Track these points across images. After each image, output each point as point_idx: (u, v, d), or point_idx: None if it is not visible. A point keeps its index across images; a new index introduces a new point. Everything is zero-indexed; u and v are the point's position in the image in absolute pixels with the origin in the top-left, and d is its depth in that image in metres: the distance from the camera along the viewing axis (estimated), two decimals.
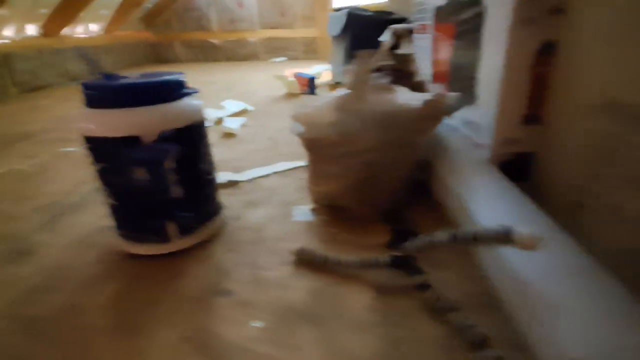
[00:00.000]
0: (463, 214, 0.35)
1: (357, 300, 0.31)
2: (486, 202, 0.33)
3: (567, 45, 0.39)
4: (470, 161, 0.42)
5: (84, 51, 0.33)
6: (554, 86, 0.42)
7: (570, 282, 0.22)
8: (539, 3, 0.39)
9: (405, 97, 0.40)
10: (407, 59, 0.53)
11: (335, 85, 1.14)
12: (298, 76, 1.26)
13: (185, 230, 0.37)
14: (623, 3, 0.31)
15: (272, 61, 2.50)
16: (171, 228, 0.36)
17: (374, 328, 0.28)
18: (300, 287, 0.33)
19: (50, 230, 0.44)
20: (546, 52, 0.41)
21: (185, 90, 0.36)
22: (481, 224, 0.31)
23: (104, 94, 0.31)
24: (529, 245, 0.23)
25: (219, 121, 0.89)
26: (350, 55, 1.07)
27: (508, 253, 0.26)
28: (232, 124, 0.83)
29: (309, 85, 1.22)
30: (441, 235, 0.28)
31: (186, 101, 0.35)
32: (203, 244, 0.39)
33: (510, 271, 0.26)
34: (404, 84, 0.53)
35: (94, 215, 0.46)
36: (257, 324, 0.29)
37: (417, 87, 0.53)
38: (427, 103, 0.39)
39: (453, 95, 0.45)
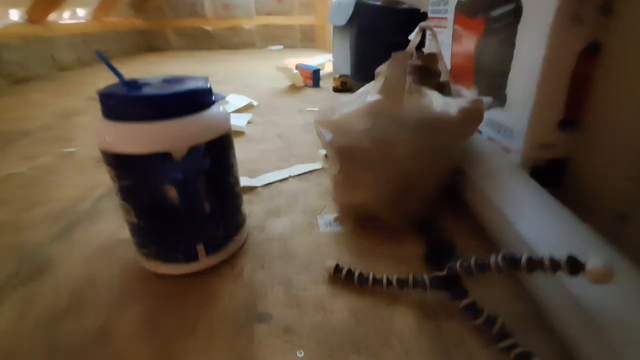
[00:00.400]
0: (503, 227, 0.34)
1: (404, 324, 0.30)
2: (528, 215, 0.32)
3: (614, 47, 0.37)
4: (504, 167, 0.40)
5: (104, 55, 0.30)
6: (596, 90, 0.40)
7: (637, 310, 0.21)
8: (587, 1, 0.37)
9: (440, 102, 0.38)
10: (433, 58, 0.51)
11: (340, 78, 1.11)
12: (301, 68, 1.22)
13: (213, 248, 0.35)
14: None
15: (270, 49, 2.44)
16: (200, 246, 0.34)
17: (424, 355, 0.27)
18: (342, 310, 0.31)
19: (64, 242, 0.41)
20: (590, 54, 0.39)
21: (214, 98, 0.33)
22: (527, 241, 0.30)
23: (129, 105, 0.28)
24: (603, 278, 0.21)
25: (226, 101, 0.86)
26: (357, 48, 1.03)
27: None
28: (239, 121, 0.80)
29: (313, 77, 1.19)
30: (493, 259, 0.27)
31: (214, 110, 0.33)
32: (230, 260, 0.37)
33: (571, 297, 0.25)
34: (429, 84, 0.51)
35: (110, 225, 0.44)
36: (301, 354, 0.28)
37: (442, 87, 0.51)
38: (465, 110, 0.37)
39: (487, 99, 0.43)
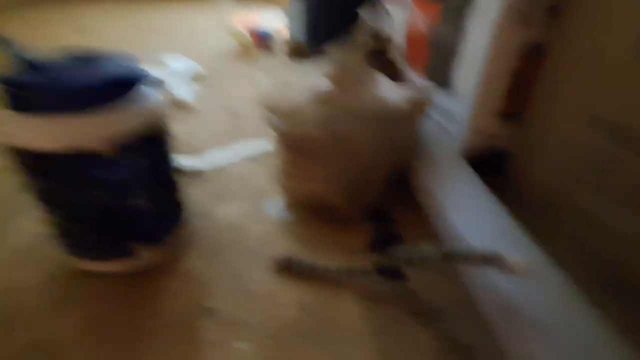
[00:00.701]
0: (441, 218, 0.36)
1: (348, 311, 0.31)
2: (463, 209, 0.34)
3: (558, 50, 0.39)
4: (446, 158, 0.42)
5: (3, 36, 0.25)
6: (539, 89, 0.42)
7: (551, 305, 0.25)
8: (537, 2, 0.38)
9: (392, 93, 0.38)
10: (386, 41, 0.50)
11: (294, 44, 1.06)
12: (253, 33, 1.14)
13: (154, 243, 0.33)
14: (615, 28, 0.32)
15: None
16: (138, 243, 0.32)
17: (367, 339, 0.29)
18: (290, 301, 0.32)
19: None
20: (534, 53, 0.41)
21: (145, 82, 0.30)
22: (460, 233, 0.32)
23: (46, 95, 0.24)
24: (521, 273, 0.24)
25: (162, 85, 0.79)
26: (312, 14, 0.98)
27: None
28: (185, 92, 0.74)
29: (266, 43, 1.13)
30: (431, 251, 0.29)
31: (146, 97, 0.29)
32: (173, 254, 0.36)
33: (493, 286, 0.27)
34: (382, 67, 0.50)
35: (24, 223, 0.39)
36: (245, 345, 0.28)
37: (395, 71, 0.51)
38: (415, 100, 0.38)
39: (431, 87, 0.44)
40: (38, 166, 0.26)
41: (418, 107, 0.38)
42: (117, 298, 0.31)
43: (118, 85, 0.27)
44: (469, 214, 0.34)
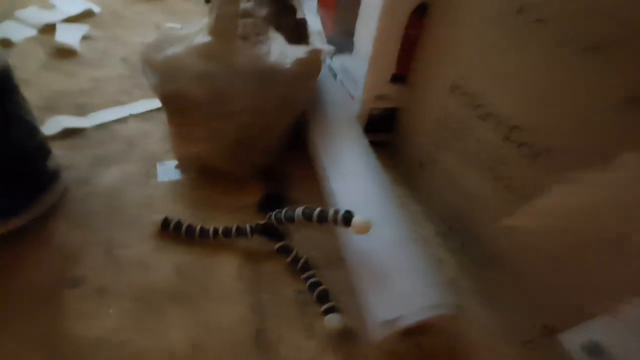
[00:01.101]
0: (324, 179, 0.38)
1: (225, 271, 0.33)
2: (342, 171, 0.36)
3: (436, 11, 0.40)
4: (339, 119, 0.43)
5: None
6: (420, 51, 0.44)
7: (392, 256, 0.28)
8: None
9: (278, 51, 0.37)
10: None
11: None
12: None
13: (11, 211, 0.30)
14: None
15: None
16: None
17: (240, 296, 0.31)
18: (165, 265, 0.32)
19: None
20: (419, 14, 0.42)
21: None
22: (336, 195, 0.34)
23: None
24: (361, 231, 0.27)
25: (48, 28, 0.67)
26: None
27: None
28: (69, 36, 0.64)
29: None
30: (297, 211, 0.30)
31: None
32: (41, 222, 0.33)
33: (351, 240, 0.30)
34: (285, 21, 0.48)
35: None
36: (112, 310, 0.28)
37: (299, 26, 0.49)
38: (301, 61, 0.37)
39: (328, 48, 0.43)
40: None
41: (304, 68, 0.37)
42: None
43: None
44: (346, 175, 0.36)
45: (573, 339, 0.28)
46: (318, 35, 0.48)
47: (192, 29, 0.39)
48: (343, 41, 0.52)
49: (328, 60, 0.59)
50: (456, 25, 0.37)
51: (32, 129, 0.31)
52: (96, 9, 0.79)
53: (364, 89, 0.48)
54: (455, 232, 0.39)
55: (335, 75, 0.57)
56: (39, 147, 0.32)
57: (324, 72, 0.51)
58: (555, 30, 0.24)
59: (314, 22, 0.63)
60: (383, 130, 0.52)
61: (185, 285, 0.31)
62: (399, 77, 0.48)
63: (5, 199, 0.30)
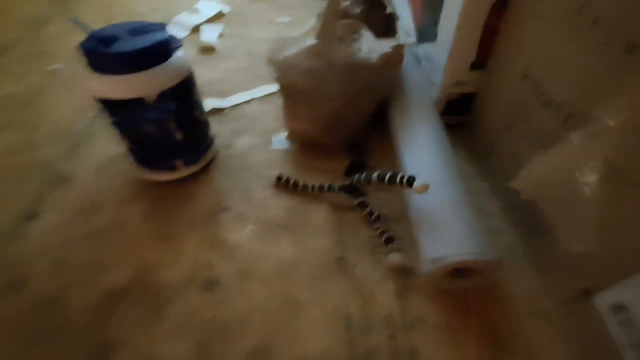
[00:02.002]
0: (399, 153, 0.47)
1: (318, 215, 0.45)
2: (413, 146, 0.44)
3: (516, 3, 0.44)
4: (416, 102, 0.51)
5: (77, 19, 0.37)
6: (500, 40, 0.48)
7: (444, 212, 0.36)
8: None
9: (367, 48, 0.46)
10: None
11: None
12: None
13: (189, 162, 0.48)
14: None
15: None
16: (178, 162, 0.46)
17: (328, 233, 0.43)
18: (278, 206, 0.46)
19: (74, 159, 0.53)
20: (499, 7, 0.46)
21: (175, 46, 0.41)
22: (406, 165, 0.43)
23: (109, 61, 0.37)
24: (420, 191, 0.35)
25: (195, 29, 0.88)
26: None
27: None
28: (210, 36, 0.84)
29: None
30: (373, 175, 0.40)
31: (177, 57, 0.41)
32: (204, 170, 0.51)
33: (413, 198, 0.39)
34: (376, 16, 0.57)
35: (106, 144, 0.55)
36: (250, 228, 0.44)
37: (389, 18, 0.57)
38: (386, 55, 0.46)
39: (411, 40, 0.51)
40: (110, 108, 0.40)
41: (388, 62, 0.46)
42: (165, 197, 0.47)
43: (159, 52, 0.38)
44: (416, 149, 0.44)
45: (603, 300, 0.32)
46: (404, 28, 0.55)
47: (301, 34, 0.51)
48: (429, 30, 0.58)
49: (414, 48, 0.65)
50: (529, 20, 0.40)
51: (201, 110, 0.48)
52: (225, 9, 0.98)
53: (444, 75, 0.54)
54: (517, 207, 0.44)
55: (419, 62, 0.63)
56: (205, 122, 0.49)
57: (408, 59, 0.58)
58: (605, 30, 0.28)
59: (405, 12, 0.69)
60: (460, 112, 0.57)
61: (291, 220, 0.45)
62: (478, 65, 0.52)
63: (189, 154, 0.47)
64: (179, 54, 0.42)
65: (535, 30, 0.39)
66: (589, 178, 0.25)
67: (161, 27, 0.41)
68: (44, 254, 0.42)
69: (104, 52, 0.36)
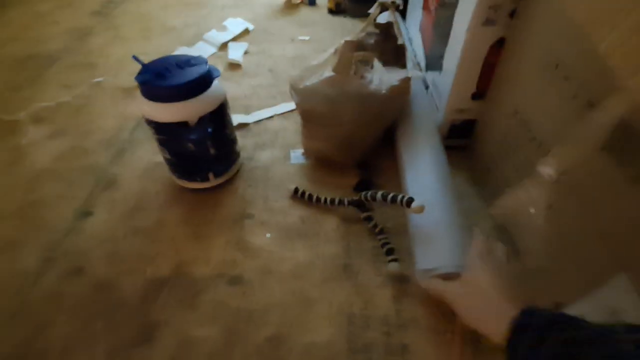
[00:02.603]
0: (402, 174, 0.53)
1: (329, 225, 0.52)
2: (415, 167, 0.50)
3: (511, 41, 0.49)
4: (420, 127, 0.57)
5: (137, 56, 0.45)
6: (498, 73, 0.53)
7: (438, 230, 0.42)
8: (500, 9, 0.47)
9: (377, 80, 0.53)
10: (390, 25, 0.62)
11: (337, 2, 1.13)
12: None
13: (218, 174, 0.55)
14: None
15: None
16: (210, 174, 0.54)
17: (337, 241, 0.50)
18: (295, 214, 0.53)
19: (119, 164, 0.62)
20: (498, 46, 0.51)
21: (214, 76, 0.49)
22: (408, 185, 0.49)
23: (160, 92, 0.44)
24: (417, 212, 0.42)
25: (223, 46, 0.96)
26: None
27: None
28: (236, 54, 0.91)
29: None
30: (378, 194, 0.47)
31: (214, 87, 0.48)
32: (230, 181, 0.58)
33: (411, 215, 0.46)
34: (388, 46, 0.64)
35: (146, 152, 0.64)
36: (269, 235, 0.51)
37: (399, 50, 0.63)
38: (394, 87, 0.52)
39: (419, 74, 0.57)
40: (158, 129, 0.48)
41: (396, 93, 0.52)
42: (198, 202, 0.55)
43: (201, 83, 0.46)
44: (418, 171, 0.50)
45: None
46: (413, 55, 0.61)
47: (321, 61, 0.58)
48: (436, 60, 0.64)
49: (423, 73, 0.71)
50: (520, 63, 0.46)
51: (232, 128, 0.55)
52: (250, 27, 1.06)
53: (447, 103, 0.60)
54: (501, 228, 0.49)
55: (427, 87, 0.69)
56: (234, 138, 0.56)
57: (416, 85, 0.64)
58: (574, 86, 0.34)
59: (417, 40, 0.76)
60: (463, 137, 0.63)
61: (305, 228, 0.51)
62: (479, 95, 0.58)
63: (220, 167, 0.54)
64: (216, 82, 0.49)
65: (524, 73, 0.45)
66: (538, 215, 0.31)
67: (203, 61, 0.48)
68: (98, 246, 0.50)
69: (157, 85, 0.44)
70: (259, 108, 0.74)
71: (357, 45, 0.63)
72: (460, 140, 0.63)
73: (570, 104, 0.35)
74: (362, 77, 0.54)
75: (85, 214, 0.54)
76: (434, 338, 0.41)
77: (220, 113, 0.50)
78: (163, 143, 0.50)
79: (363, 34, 0.65)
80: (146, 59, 0.48)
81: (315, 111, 0.54)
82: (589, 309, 0.35)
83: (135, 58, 0.45)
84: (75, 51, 0.96)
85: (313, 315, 0.43)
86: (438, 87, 0.63)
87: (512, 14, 0.48)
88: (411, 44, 0.81)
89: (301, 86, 0.55)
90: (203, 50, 0.95)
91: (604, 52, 0.21)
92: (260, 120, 0.71)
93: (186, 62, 0.48)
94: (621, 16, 0.20)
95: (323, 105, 0.53)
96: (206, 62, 0.48)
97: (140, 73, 0.46)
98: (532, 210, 0.32)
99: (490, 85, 0.55)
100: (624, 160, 0.29)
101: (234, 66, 0.89)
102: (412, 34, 0.78)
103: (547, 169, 0.31)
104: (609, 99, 0.26)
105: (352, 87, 0.52)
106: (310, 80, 0.55)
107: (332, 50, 0.59)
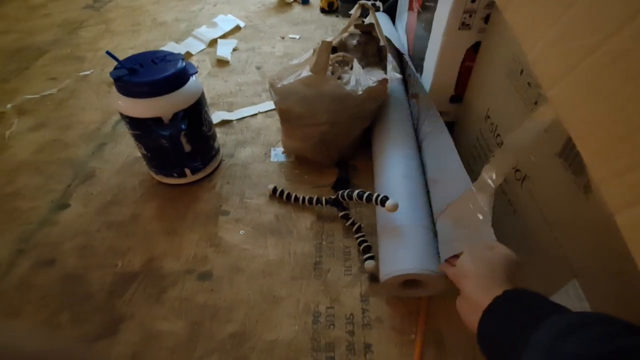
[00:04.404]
0: (376, 173, 0.53)
1: (304, 223, 0.52)
2: (386, 171, 0.51)
3: (485, 45, 0.50)
4: (398, 130, 0.57)
5: (109, 52, 0.45)
6: (473, 77, 0.54)
7: (404, 232, 0.43)
8: (475, 14, 0.48)
9: (354, 82, 0.53)
10: (372, 27, 0.62)
11: (329, 1, 1.13)
12: None
13: (195, 170, 0.55)
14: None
15: None
16: (186, 170, 0.54)
17: (309, 240, 0.50)
18: (270, 212, 0.54)
19: (99, 158, 0.62)
20: (474, 50, 0.52)
21: (190, 73, 0.49)
22: (379, 187, 0.50)
23: (134, 87, 0.45)
24: (390, 210, 0.42)
25: (212, 42, 0.96)
26: None
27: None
28: (225, 51, 0.91)
29: None
30: (354, 192, 0.47)
31: (191, 83, 0.49)
32: (208, 177, 0.58)
33: (380, 214, 0.46)
34: (371, 47, 0.64)
35: (126, 146, 0.64)
36: (242, 232, 0.51)
37: (381, 50, 0.64)
38: (370, 89, 0.53)
39: (397, 76, 0.57)
40: (132, 123, 0.48)
41: (372, 95, 0.52)
42: (174, 198, 0.55)
43: (176, 80, 0.46)
44: (388, 172, 0.51)
45: None
46: (393, 61, 0.61)
47: (301, 61, 0.58)
48: (417, 62, 0.64)
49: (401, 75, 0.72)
50: (490, 68, 0.46)
51: (209, 125, 0.55)
52: (242, 24, 1.06)
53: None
54: None
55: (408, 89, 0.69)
56: (212, 135, 0.57)
57: (395, 86, 0.64)
58: (534, 93, 0.34)
59: (403, 41, 0.76)
60: None
61: (279, 226, 0.52)
62: (457, 98, 0.58)
63: (196, 163, 0.55)
64: (192, 79, 0.49)
65: (495, 77, 0.45)
66: (480, 215, 0.32)
67: (179, 57, 0.48)
68: (71, 239, 0.50)
69: (130, 81, 0.44)
70: (244, 105, 0.74)
71: (339, 46, 0.64)
72: None
73: (533, 110, 0.35)
74: (339, 77, 0.54)
75: (61, 206, 0.54)
76: (398, 338, 0.41)
77: (196, 110, 0.50)
78: (138, 138, 0.50)
79: (345, 34, 0.65)
80: (133, 54, 0.49)
81: (292, 111, 0.54)
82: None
83: (109, 53, 0.45)
84: (65, 44, 0.96)
85: (279, 312, 0.43)
86: (420, 89, 0.63)
87: (486, 19, 0.48)
88: (401, 45, 0.81)
89: (279, 85, 0.55)
90: (192, 46, 0.95)
91: (532, 62, 0.21)
92: (243, 118, 0.72)
93: (162, 58, 0.48)
94: (545, 27, 0.21)
95: (300, 104, 0.53)
96: (182, 59, 0.48)
97: (115, 68, 0.46)
98: (480, 217, 0.32)
99: (466, 88, 0.56)
100: (576, 168, 0.29)
101: (221, 63, 0.89)
102: (400, 35, 0.78)
103: (489, 175, 0.32)
104: (538, 109, 0.26)
105: (328, 87, 0.52)
106: (288, 80, 0.55)
107: (312, 50, 0.60)
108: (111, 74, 0.45)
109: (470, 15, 0.48)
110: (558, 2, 0.21)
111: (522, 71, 0.37)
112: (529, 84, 0.36)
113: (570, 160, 0.30)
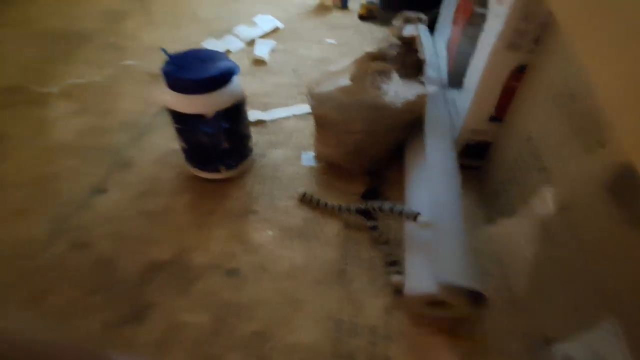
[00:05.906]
0: (407, 186, 0.53)
1: (331, 230, 0.52)
2: (419, 185, 0.50)
3: (532, 67, 0.49)
4: (435, 144, 0.56)
5: (164, 49, 0.46)
6: (517, 98, 0.53)
7: (434, 248, 0.42)
8: (527, 34, 0.47)
9: (393, 93, 0.53)
10: (413, 40, 0.62)
11: (367, 5, 1.14)
12: None
13: (229, 167, 0.57)
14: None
15: None
16: (221, 166, 0.55)
17: (336, 247, 0.50)
18: (298, 216, 0.54)
19: (137, 147, 0.64)
20: (519, 71, 0.51)
21: (234, 74, 0.50)
22: (409, 200, 0.49)
23: (181, 83, 0.46)
24: (424, 226, 0.42)
25: (251, 42, 0.98)
26: None
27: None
28: (263, 50, 0.93)
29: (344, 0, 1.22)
30: (384, 204, 0.47)
31: (233, 84, 0.50)
32: (241, 176, 0.59)
33: (408, 228, 0.46)
34: (410, 59, 0.64)
35: (164, 138, 0.66)
36: (270, 233, 0.52)
37: (421, 63, 0.63)
38: (409, 102, 0.52)
39: (434, 89, 0.57)
40: (176, 117, 0.49)
41: (410, 108, 0.52)
42: (208, 192, 0.56)
43: (220, 79, 0.47)
44: (421, 185, 0.50)
45: (558, 351, 0.37)
46: (430, 75, 0.61)
47: (340, 68, 0.59)
48: (458, 78, 0.63)
49: (445, 90, 0.71)
50: (539, 89, 0.45)
51: (247, 124, 0.56)
52: (281, 25, 1.08)
53: (464, 123, 0.59)
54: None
55: (447, 102, 0.69)
56: (248, 134, 0.58)
57: (438, 99, 0.64)
58: (585, 121, 0.33)
59: (443, 55, 0.75)
60: (476, 157, 0.62)
61: (306, 230, 0.52)
62: (497, 118, 0.57)
63: (231, 160, 0.56)
64: (236, 80, 0.50)
65: (542, 100, 0.44)
66: (526, 246, 0.31)
67: (224, 56, 0.50)
68: (106, 224, 0.52)
69: (179, 77, 0.46)
70: (278, 106, 0.75)
71: (378, 56, 0.64)
72: (472, 160, 0.62)
73: (582, 138, 0.34)
74: (378, 88, 0.54)
75: (99, 191, 0.56)
76: (419, 355, 0.41)
77: (236, 109, 0.51)
78: (180, 132, 0.52)
79: (386, 45, 0.65)
80: (174, 47, 0.50)
81: (327, 117, 0.54)
82: (576, 349, 0.35)
83: (164, 50, 0.47)
84: (108, 32, 1.00)
85: (301, 316, 0.43)
86: (457, 105, 0.63)
87: (536, 40, 0.47)
88: (438, 59, 0.80)
89: (316, 91, 0.55)
90: (231, 43, 0.98)
91: (600, 94, 0.21)
92: (277, 119, 0.72)
93: (209, 57, 0.49)
94: (616, 57, 0.20)
95: (336, 112, 0.54)
96: (228, 59, 0.49)
97: (166, 63, 0.47)
98: (521, 244, 0.32)
99: (508, 109, 0.55)
100: (624, 201, 0.28)
101: (258, 62, 0.91)
102: (439, 49, 0.78)
103: (547, 199, 0.31)
104: (613, 142, 0.26)
105: (366, 97, 0.52)
106: (326, 86, 0.55)
107: (352, 58, 0.60)
108: (162, 68, 0.46)
109: (521, 35, 0.47)
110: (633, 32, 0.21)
111: (572, 96, 0.36)
112: (579, 110, 0.35)
113: (617, 193, 0.29)
